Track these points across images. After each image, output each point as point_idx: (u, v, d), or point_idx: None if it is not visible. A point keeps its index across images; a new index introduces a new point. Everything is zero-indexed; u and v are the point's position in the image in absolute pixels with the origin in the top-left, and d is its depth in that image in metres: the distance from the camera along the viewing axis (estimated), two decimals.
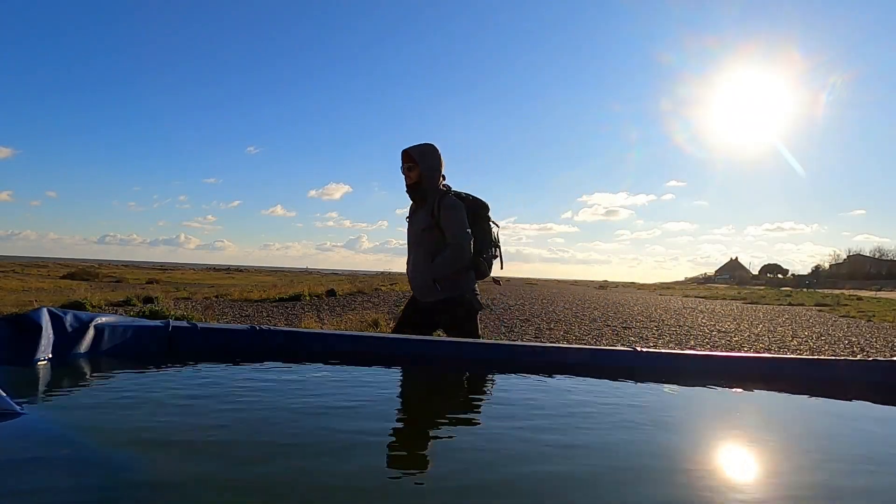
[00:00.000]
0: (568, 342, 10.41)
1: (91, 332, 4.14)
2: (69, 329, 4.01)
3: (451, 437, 2.75)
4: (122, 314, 9.98)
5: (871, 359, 4.26)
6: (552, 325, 13.63)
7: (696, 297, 38.01)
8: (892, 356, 8.13)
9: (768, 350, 10.66)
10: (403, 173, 5.73)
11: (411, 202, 5.90)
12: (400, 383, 4.24)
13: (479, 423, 3.09)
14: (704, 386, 4.56)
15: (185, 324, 4.78)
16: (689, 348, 10.24)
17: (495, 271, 6.11)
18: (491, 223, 6.02)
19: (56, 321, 3.94)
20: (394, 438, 2.71)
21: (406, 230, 6.03)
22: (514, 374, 4.47)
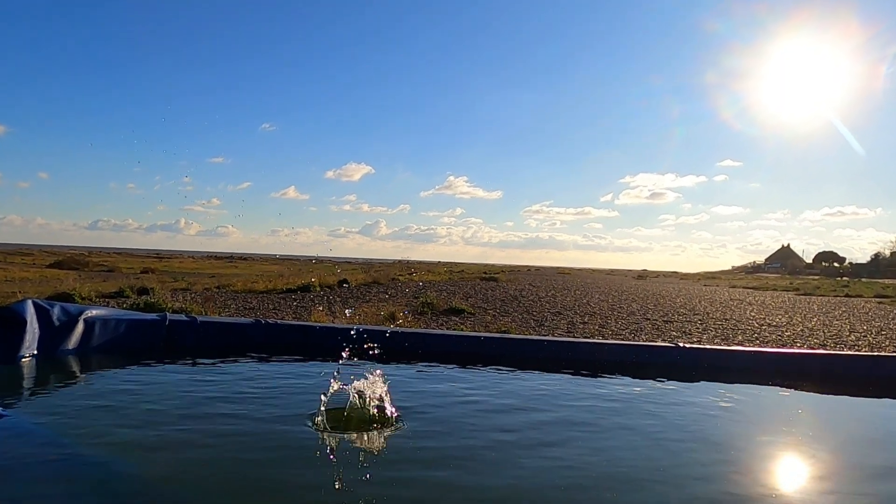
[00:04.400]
0: (604, 337, 10.32)
1: (80, 327, 4.14)
2: (56, 323, 4.01)
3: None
4: (114, 307, 10.01)
5: None
6: (586, 319, 13.54)
7: (744, 287, 37.62)
8: None
9: (823, 346, 10.54)
10: None
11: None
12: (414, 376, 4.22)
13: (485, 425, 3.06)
14: (753, 384, 4.51)
15: (183, 317, 4.78)
16: (737, 344, 10.13)
17: None
18: None
19: (42, 314, 3.95)
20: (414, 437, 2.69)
21: None
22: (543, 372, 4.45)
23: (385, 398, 2.97)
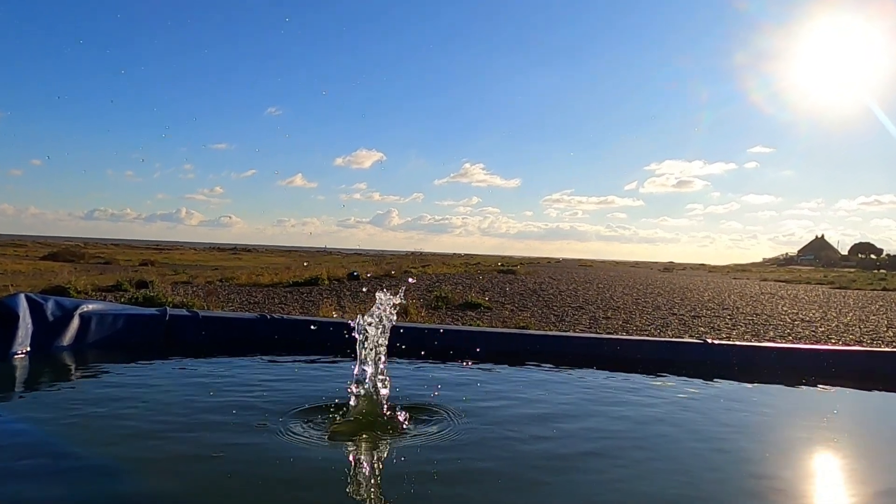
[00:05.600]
0: (628, 333, 10.30)
1: (76, 322, 4.13)
2: (50, 318, 4.00)
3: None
4: (111, 301, 10.03)
5: None
6: (609, 314, 13.51)
7: (775, 280, 37.43)
8: None
9: (860, 342, 10.49)
10: None
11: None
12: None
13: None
14: (785, 383, 4.47)
15: (184, 312, 4.76)
16: (768, 340, 10.09)
17: None
18: None
19: (35, 309, 3.94)
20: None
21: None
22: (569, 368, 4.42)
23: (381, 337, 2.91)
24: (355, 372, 2.85)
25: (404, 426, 2.72)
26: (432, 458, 2.47)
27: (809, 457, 2.90)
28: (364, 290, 16.99)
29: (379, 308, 3.03)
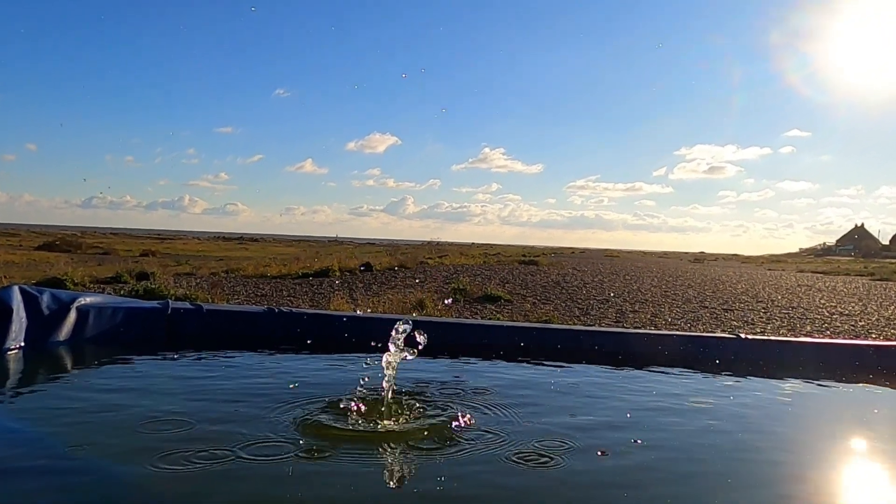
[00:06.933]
0: (656, 327, 10.27)
1: (73, 316, 4.14)
2: (46, 311, 4.01)
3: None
4: (110, 293, 10.05)
5: None
6: (637, 307, 13.49)
7: (812, 272, 37.32)
8: None
9: None
10: None
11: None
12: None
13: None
14: (823, 379, 4.43)
15: (187, 305, 4.76)
16: (805, 335, 10.06)
17: None
18: None
19: (30, 302, 3.94)
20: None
21: None
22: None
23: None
24: (384, 370, 2.83)
25: (436, 431, 2.66)
26: (457, 472, 2.34)
27: (871, 461, 2.87)
28: (373, 285, 17.01)
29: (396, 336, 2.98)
